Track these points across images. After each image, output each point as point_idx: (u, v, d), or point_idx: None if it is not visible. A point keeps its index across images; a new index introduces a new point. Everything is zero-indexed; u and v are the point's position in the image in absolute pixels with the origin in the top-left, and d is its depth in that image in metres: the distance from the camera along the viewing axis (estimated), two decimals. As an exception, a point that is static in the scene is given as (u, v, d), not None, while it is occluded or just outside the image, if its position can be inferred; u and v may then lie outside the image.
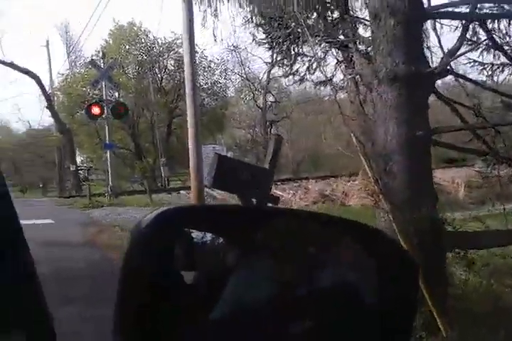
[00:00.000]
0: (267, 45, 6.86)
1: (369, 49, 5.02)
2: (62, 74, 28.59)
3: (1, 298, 0.78)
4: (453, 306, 4.18)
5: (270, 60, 20.98)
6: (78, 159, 30.01)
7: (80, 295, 6.04)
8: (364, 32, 5.40)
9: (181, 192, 19.95)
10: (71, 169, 26.49)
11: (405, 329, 0.88)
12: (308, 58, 6.32)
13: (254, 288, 0.81)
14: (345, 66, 5.58)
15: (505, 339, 3.89)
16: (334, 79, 6.30)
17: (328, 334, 0.83)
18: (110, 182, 19.08)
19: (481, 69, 4.94)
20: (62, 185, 28.18)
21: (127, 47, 26.15)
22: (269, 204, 5.01)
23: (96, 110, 19.04)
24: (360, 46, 5.22)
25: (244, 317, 0.80)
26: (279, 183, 19.19)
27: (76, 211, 16.64)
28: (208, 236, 0.86)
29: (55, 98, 28.14)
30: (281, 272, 0.82)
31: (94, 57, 23.70)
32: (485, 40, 4.71)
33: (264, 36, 6.64)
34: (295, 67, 6.59)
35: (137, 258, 0.74)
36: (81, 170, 30.25)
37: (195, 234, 0.84)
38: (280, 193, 15.87)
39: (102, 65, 20.07)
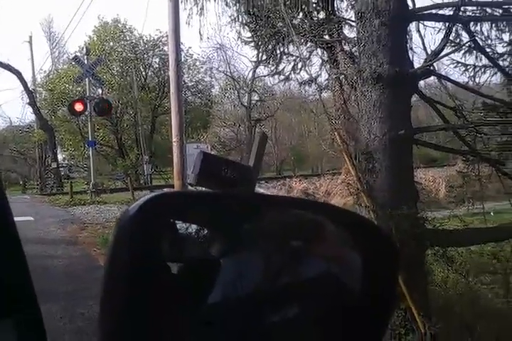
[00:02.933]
0: (252, 44, 6.87)
1: (354, 49, 5.07)
2: (45, 71, 28.32)
3: None
4: (432, 303, 4.25)
5: (256, 59, 21.00)
6: (60, 156, 29.65)
7: (60, 292, 6.00)
8: (349, 32, 5.46)
9: (164, 189, 19.87)
10: (52, 166, 26.18)
11: (384, 316, 0.89)
12: (294, 58, 6.35)
13: (240, 278, 0.81)
14: (330, 66, 5.62)
15: (481, 336, 3.98)
16: (319, 79, 6.34)
17: (310, 325, 0.83)
18: (92, 180, 18.91)
19: (464, 71, 5.03)
20: (43, 183, 27.85)
21: (112, 44, 25.91)
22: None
23: (79, 107, 18.83)
24: (345, 46, 5.26)
25: (231, 308, 0.79)
26: (263, 182, 19.24)
27: (57, 208, 16.47)
28: (193, 225, 0.85)
29: (38, 94, 27.79)
30: (267, 262, 0.82)
31: (77, 54, 23.43)
32: (467, 42, 4.79)
33: (250, 35, 6.64)
34: (280, 67, 6.61)
35: (123, 250, 0.72)
36: (62, 167, 29.90)
37: (179, 224, 0.83)
38: (264, 191, 15.91)
39: (86, 61, 19.86)
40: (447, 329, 3.95)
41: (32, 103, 25.57)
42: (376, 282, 0.83)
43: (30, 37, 30.61)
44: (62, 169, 28.91)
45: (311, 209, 0.90)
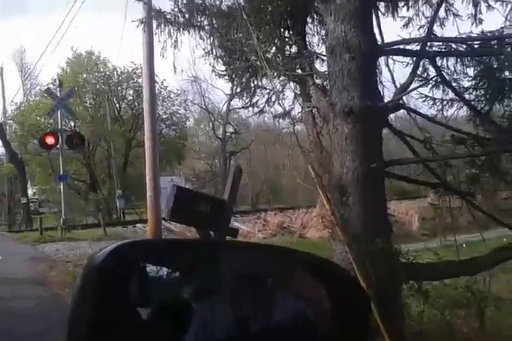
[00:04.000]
0: (226, 77, 6.93)
1: (326, 83, 5.15)
2: (16, 103, 28.06)
3: None
4: (408, 338, 4.19)
5: (230, 92, 21.27)
6: (30, 191, 29.08)
7: (26, 334, 5.74)
8: (321, 66, 5.56)
9: (137, 225, 19.54)
10: (22, 201, 25.59)
11: None
12: (268, 91, 6.42)
13: (211, 323, 0.79)
14: (303, 99, 5.69)
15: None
16: (292, 112, 6.40)
17: None
18: (63, 215, 18.50)
19: (432, 104, 5.14)
20: (12, 219, 27.15)
21: (85, 75, 25.92)
22: (228, 237, 4.95)
23: (50, 140, 18.63)
24: (317, 80, 5.34)
25: None
26: (238, 215, 19.12)
27: (27, 246, 16.00)
28: (164, 270, 0.85)
29: (8, 127, 27.44)
30: (237, 307, 0.81)
31: (50, 86, 23.35)
32: (434, 76, 4.92)
33: (224, 68, 6.72)
34: (254, 99, 6.66)
35: (89, 297, 0.71)
36: (33, 202, 29.27)
37: (150, 269, 0.83)
38: (239, 225, 15.78)
39: (58, 93, 19.77)
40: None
41: (1, 136, 25.20)
42: (347, 324, 0.82)
43: (1, 68, 30.49)
44: (32, 204, 28.30)
45: (279, 254, 0.90)
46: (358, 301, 0.87)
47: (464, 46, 4.75)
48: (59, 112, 19.37)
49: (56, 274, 10.54)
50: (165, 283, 0.85)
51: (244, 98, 7.03)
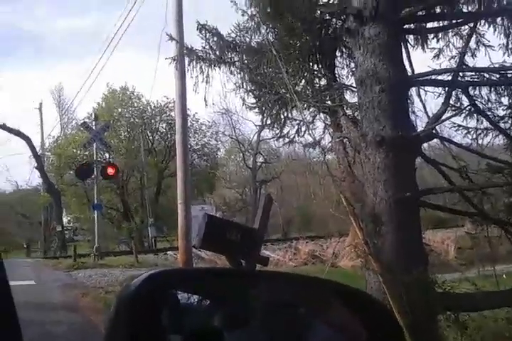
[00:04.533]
0: (257, 110, 7.04)
1: (356, 114, 5.19)
2: (54, 136, 29.00)
3: None
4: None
5: (260, 123, 21.47)
6: (65, 219, 29.65)
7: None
8: (351, 98, 5.61)
9: (168, 252, 19.62)
10: (57, 229, 26.09)
11: None
12: (297, 122, 6.49)
13: None
14: (333, 129, 5.73)
15: None
16: (322, 142, 6.44)
17: None
18: (96, 243, 18.76)
19: (466, 134, 5.10)
20: (47, 246, 27.64)
21: (120, 110, 26.67)
22: (258, 265, 4.94)
23: (85, 170, 19.11)
24: (347, 111, 5.39)
25: None
26: (268, 243, 18.99)
27: (60, 272, 16.22)
28: (195, 298, 0.87)
29: (45, 159, 28.28)
30: (268, 336, 0.81)
31: (86, 120, 24.08)
32: (468, 106, 4.91)
33: (254, 101, 6.84)
34: (285, 130, 6.73)
35: (123, 324, 0.72)
36: (67, 230, 29.80)
37: (182, 296, 0.85)
38: (270, 254, 15.66)
39: (94, 127, 20.36)
40: None
41: (39, 167, 25.97)
42: None
43: (41, 104, 31.67)
44: (67, 232, 28.81)
45: (310, 284, 0.91)
46: (392, 333, 0.87)
47: (497, 76, 4.75)
48: (94, 144, 19.90)
49: (89, 300, 10.62)
50: (196, 311, 0.86)
51: (274, 129, 7.11)
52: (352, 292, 0.94)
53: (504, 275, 6.36)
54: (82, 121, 23.20)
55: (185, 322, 0.85)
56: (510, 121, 4.92)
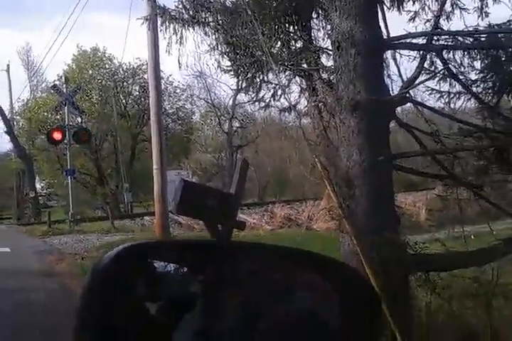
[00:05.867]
0: (232, 73, 6.94)
1: (332, 77, 5.16)
2: (23, 100, 28.20)
3: None
4: (416, 328, 4.24)
5: (236, 87, 21.22)
6: (38, 185, 29.28)
7: (36, 327, 5.83)
8: (327, 61, 5.57)
9: (145, 218, 19.68)
10: (30, 195, 25.81)
11: None
12: (273, 85, 6.43)
13: (219, 319, 0.81)
14: (309, 93, 5.71)
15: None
16: (298, 106, 6.42)
17: None
18: (71, 209, 18.65)
19: (439, 97, 5.14)
20: (20, 212, 27.39)
21: (91, 72, 26.00)
22: (235, 230, 5.00)
23: (57, 135, 18.74)
24: (323, 74, 5.36)
25: None
26: (245, 208, 19.18)
27: (35, 239, 16.17)
28: (172, 266, 0.88)
29: (15, 123, 27.60)
30: (245, 304, 0.83)
31: (56, 82, 23.45)
32: (441, 69, 4.92)
33: (229, 63, 6.72)
34: (260, 94, 6.67)
35: (99, 295, 0.73)
36: (41, 196, 29.49)
37: (159, 265, 0.86)
38: (246, 218, 15.85)
39: (65, 90, 19.84)
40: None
41: (9, 131, 25.36)
42: (358, 325, 0.84)
43: (8, 65, 30.67)
44: (40, 198, 28.52)
45: (285, 254, 0.92)
46: (366, 298, 0.89)
47: (471, 39, 4.75)
48: (66, 108, 19.47)
49: (64, 266, 10.67)
50: (173, 279, 0.87)
51: (250, 93, 7.04)
52: (326, 260, 0.96)
53: (472, 236, 6.56)
54: (52, 84, 22.64)
55: (162, 291, 0.87)
56: (482, 85, 4.97)
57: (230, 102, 28.83)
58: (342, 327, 0.84)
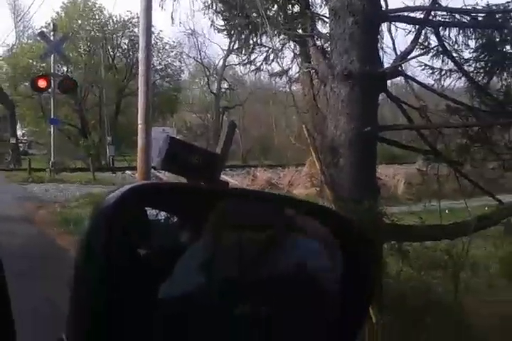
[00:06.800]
0: (225, 33, 6.85)
1: (326, 45, 5.14)
2: (8, 44, 27.38)
3: None
4: (385, 295, 4.42)
5: (227, 47, 20.86)
6: (19, 132, 28.85)
7: (15, 273, 5.91)
8: (322, 28, 5.53)
9: (127, 172, 19.64)
10: (11, 141, 25.45)
11: (363, 307, 0.93)
12: (266, 49, 6.38)
13: (209, 266, 0.81)
14: (302, 60, 5.69)
15: (431, 326, 4.18)
16: (290, 72, 6.40)
17: (289, 317, 0.83)
18: (52, 158, 18.50)
19: (430, 74, 5.17)
20: (1, 158, 27.05)
21: (80, 22, 25.26)
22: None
23: (42, 83, 18.34)
24: (317, 41, 5.33)
25: (197, 300, 0.79)
26: (227, 169, 19.25)
27: (15, 184, 16.06)
28: (163, 214, 0.89)
29: (-1, 68, 26.89)
30: (237, 251, 0.81)
31: (44, 29, 22.74)
32: (436, 46, 4.93)
33: (223, 23, 6.62)
34: (252, 57, 6.62)
35: (98, 237, 0.74)
36: (22, 143, 29.11)
37: (151, 213, 0.86)
38: (228, 179, 15.94)
39: (52, 37, 19.29)
40: (398, 319, 4.13)
41: (-8, 76, 24.73)
42: (356, 279, 0.84)
43: (-6, 8, 29.48)
44: (21, 145, 28.15)
45: (284, 202, 0.93)
46: (367, 251, 0.89)
47: (468, 18, 4.75)
48: (52, 56, 18.98)
49: (44, 213, 10.68)
50: (164, 227, 0.88)
51: (241, 55, 6.97)
52: (324, 209, 0.98)
53: (447, 211, 6.76)
54: (40, 31, 21.94)
55: (154, 239, 0.88)
56: (474, 65, 5.01)
57: (220, 63, 28.41)
58: (345, 275, 0.85)
